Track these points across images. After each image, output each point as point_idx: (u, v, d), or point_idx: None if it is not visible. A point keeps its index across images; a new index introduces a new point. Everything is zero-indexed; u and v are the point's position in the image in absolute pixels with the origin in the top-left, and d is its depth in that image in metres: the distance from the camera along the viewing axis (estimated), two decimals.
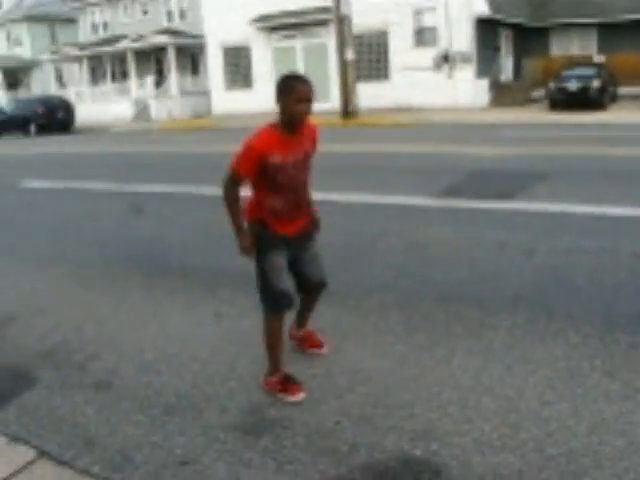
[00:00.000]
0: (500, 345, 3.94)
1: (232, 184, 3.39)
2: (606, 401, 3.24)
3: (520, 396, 3.34)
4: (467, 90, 26.79)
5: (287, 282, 3.51)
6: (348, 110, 23.65)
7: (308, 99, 3.29)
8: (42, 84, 47.06)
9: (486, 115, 22.78)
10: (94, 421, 3.40)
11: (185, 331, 4.42)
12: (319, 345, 4.04)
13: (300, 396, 3.46)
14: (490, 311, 4.47)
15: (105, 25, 42.55)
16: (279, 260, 3.48)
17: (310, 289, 3.77)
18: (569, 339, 3.97)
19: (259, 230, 3.48)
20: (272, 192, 3.41)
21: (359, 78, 25.45)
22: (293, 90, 3.27)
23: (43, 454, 3.14)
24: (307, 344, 4.04)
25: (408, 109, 26.26)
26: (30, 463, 3.07)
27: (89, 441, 3.21)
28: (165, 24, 38.68)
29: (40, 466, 3.06)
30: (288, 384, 3.51)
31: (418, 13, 27.54)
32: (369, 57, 29.01)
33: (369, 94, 26.42)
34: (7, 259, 7.00)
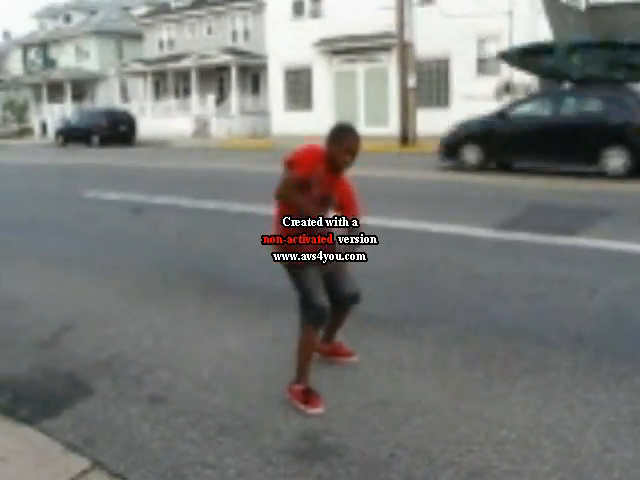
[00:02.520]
0: (561, 385, 3.84)
1: (290, 187, 3.56)
2: None
3: (581, 440, 3.23)
4: None
5: (324, 296, 3.67)
6: (407, 136, 23.62)
7: (355, 152, 3.55)
8: (107, 97, 48.25)
9: None
10: (149, 435, 3.40)
11: (242, 350, 4.41)
12: (350, 354, 4.23)
13: (319, 409, 3.59)
14: (551, 349, 4.37)
15: (171, 42, 43.49)
16: (315, 275, 3.69)
17: (344, 302, 3.92)
18: (633, 382, 3.84)
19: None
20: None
21: (419, 104, 25.41)
22: (344, 142, 3.53)
23: (97, 464, 3.15)
24: (338, 355, 4.23)
25: None
26: (84, 473, 3.09)
27: (143, 455, 3.22)
28: (229, 43, 39.32)
29: (94, 476, 3.07)
30: (310, 396, 3.66)
31: (482, 41, 27.46)
32: (430, 84, 28.98)
33: (428, 121, 26.31)
34: (69, 267, 7.14)
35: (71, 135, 35.09)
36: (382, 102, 29.82)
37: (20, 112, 54.68)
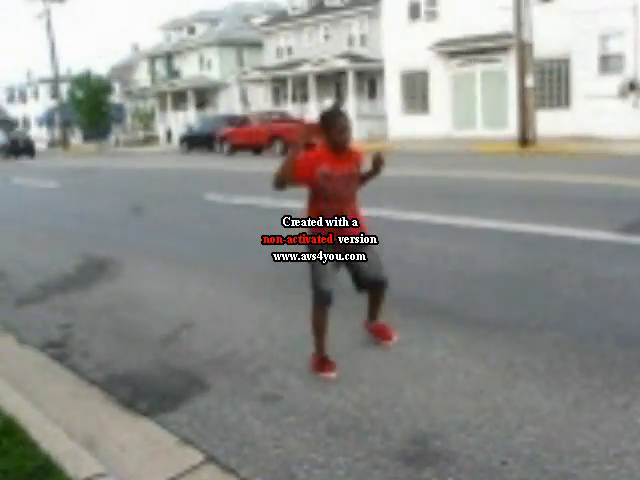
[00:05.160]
0: None
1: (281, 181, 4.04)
2: None
3: None
4: None
5: (329, 283, 4.08)
6: (526, 138, 23.02)
7: (347, 129, 4.00)
8: (228, 104, 49.62)
9: None
10: (260, 432, 3.48)
11: (354, 353, 4.43)
12: (388, 337, 4.53)
13: (331, 375, 4.05)
14: None
15: (289, 49, 44.27)
16: (327, 263, 4.06)
17: (369, 287, 4.37)
18: None
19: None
20: (321, 200, 4.06)
21: (538, 105, 24.72)
22: (336, 123, 3.96)
23: (210, 459, 3.25)
24: (377, 335, 4.58)
25: (589, 138, 25.12)
26: (197, 466, 3.19)
27: (254, 452, 3.29)
28: (345, 48, 39.57)
29: (207, 470, 3.17)
30: (324, 364, 4.12)
31: (604, 39, 26.37)
32: (549, 84, 28.14)
33: (548, 122, 25.54)
34: (189, 267, 7.40)
35: (194, 141, 36.35)
36: (500, 103, 29.18)
37: (146, 120, 57.10)
